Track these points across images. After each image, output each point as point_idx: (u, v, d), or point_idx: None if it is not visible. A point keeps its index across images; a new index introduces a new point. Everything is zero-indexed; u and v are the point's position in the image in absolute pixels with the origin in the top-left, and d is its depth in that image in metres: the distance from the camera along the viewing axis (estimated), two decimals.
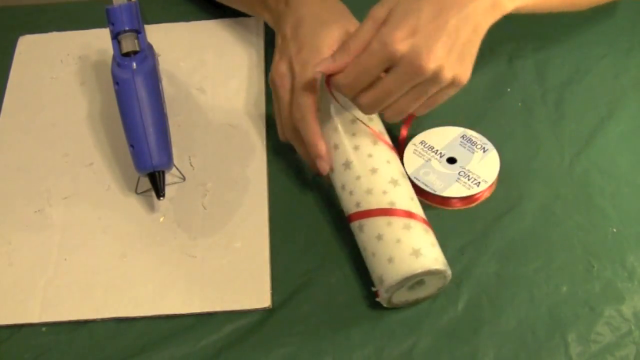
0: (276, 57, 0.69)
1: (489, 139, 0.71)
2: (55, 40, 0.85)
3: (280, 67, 0.67)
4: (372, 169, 0.63)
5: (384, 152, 0.65)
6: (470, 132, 0.72)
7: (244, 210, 0.70)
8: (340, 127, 0.65)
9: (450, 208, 0.68)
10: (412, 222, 0.61)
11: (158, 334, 0.63)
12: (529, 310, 0.63)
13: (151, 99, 0.69)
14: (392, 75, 0.57)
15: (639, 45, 0.80)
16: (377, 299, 0.62)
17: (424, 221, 0.62)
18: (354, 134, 0.65)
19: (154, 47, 0.75)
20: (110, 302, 0.65)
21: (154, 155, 0.67)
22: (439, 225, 0.63)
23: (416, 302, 0.63)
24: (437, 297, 0.63)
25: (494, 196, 0.69)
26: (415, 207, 0.63)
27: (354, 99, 0.60)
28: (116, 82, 0.69)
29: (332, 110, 0.66)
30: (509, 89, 0.77)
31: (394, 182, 0.63)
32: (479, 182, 0.68)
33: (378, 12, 0.58)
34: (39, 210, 0.71)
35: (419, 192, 0.68)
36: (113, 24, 0.70)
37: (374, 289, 0.62)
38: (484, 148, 0.70)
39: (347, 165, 0.64)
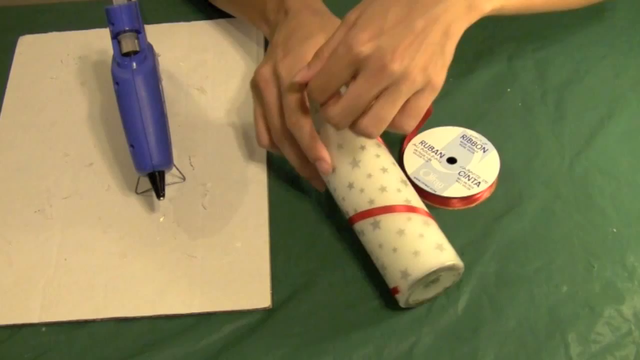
0: (261, 62, 0.68)
1: (489, 139, 0.71)
2: (55, 40, 0.85)
3: (264, 71, 0.66)
4: (382, 168, 0.63)
5: (388, 154, 0.66)
6: (470, 132, 0.72)
7: (244, 210, 0.70)
8: None
9: (450, 208, 0.69)
10: (429, 220, 0.62)
11: (158, 334, 0.63)
12: (529, 310, 0.63)
13: (151, 99, 0.69)
14: (359, 79, 0.56)
15: (639, 45, 0.80)
16: (397, 296, 0.61)
17: (436, 220, 0.63)
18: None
19: (154, 47, 0.75)
20: (110, 302, 0.65)
21: (154, 155, 0.67)
22: (439, 225, 0.63)
23: (424, 302, 0.63)
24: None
25: (494, 196, 0.69)
26: (425, 206, 0.63)
27: (325, 114, 0.59)
28: (116, 82, 0.69)
29: None
30: (509, 89, 0.77)
31: (405, 182, 0.64)
32: (479, 182, 0.68)
33: (350, 16, 0.58)
34: (39, 210, 0.71)
35: (419, 192, 0.68)
36: (113, 24, 0.70)
37: (392, 286, 0.61)
38: (484, 148, 0.70)
39: (355, 163, 0.63)
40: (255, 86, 0.67)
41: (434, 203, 0.68)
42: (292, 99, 0.63)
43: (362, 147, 0.64)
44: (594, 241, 0.66)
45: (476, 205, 0.69)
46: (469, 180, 0.68)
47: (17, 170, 0.74)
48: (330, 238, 0.68)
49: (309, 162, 0.66)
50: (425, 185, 0.68)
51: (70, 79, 0.81)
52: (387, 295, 0.63)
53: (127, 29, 0.70)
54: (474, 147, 0.70)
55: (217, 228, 0.69)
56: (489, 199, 0.69)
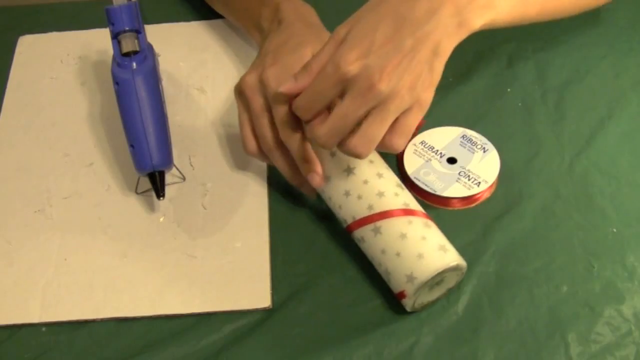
0: (249, 69, 0.67)
1: (489, 139, 0.71)
2: (55, 40, 0.85)
3: (250, 78, 0.65)
4: (377, 173, 0.63)
5: (380, 159, 0.66)
6: (470, 132, 0.72)
7: (244, 210, 0.70)
8: None
9: (450, 208, 0.69)
10: (429, 222, 0.62)
11: (158, 334, 0.63)
12: (529, 310, 0.63)
13: (151, 99, 0.69)
14: (346, 98, 0.55)
15: (639, 45, 0.80)
16: (403, 300, 0.61)
17: (434, 221, 0.63)
18: None
19: (154, 47, 0.75)
20: (110, 302, 0.65)
21: (154, 155, 0.67)
22: (439, 226, 0.63)
23: (427, 305, 0.63)
24: None
25: (494, 196, 0.69)
26: (423, 208, 0.63)
27: (311, 133, 0.58)
28: (116, 82, 0.69)
29: None
30: (509, 89, 0.77)
31: (400, 186, 0.64)
32: (479, 182, 0.68)
33: (340, 31, 0.57)
34: (39, 210, 0.71)
35: (419, 192, 0.68)
36: (113, 24, 0.71)
37: (398, 291, 0.61)
38: (484, 148, 0.70)
39: (350, 170, 0.63)
40: (241, 93, 0.67)
41: (434, 203, 0.68)
42: (282, 111, 0.62)
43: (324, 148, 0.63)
44: (594, 241, 0.66)
45: (476, 205, 0.69)
46: (469, 180, 0.68)
47: (17, 170, 0.74)
48: (331, 238, 0.68)
49: (299, 170, 0.65)
50: (425, 185, 0.68)
51: (70, 79, 0.81)
52: (387, 295, 0.63)
53: (127, 29, 0.70)
54: (474, 147, 0.70)
55: (217, 228, 0.69)
56: (489, 199, 0.69)
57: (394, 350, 0.61)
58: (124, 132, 0.69)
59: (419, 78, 0.55)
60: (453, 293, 0.64)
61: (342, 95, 0.56)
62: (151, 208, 0.70)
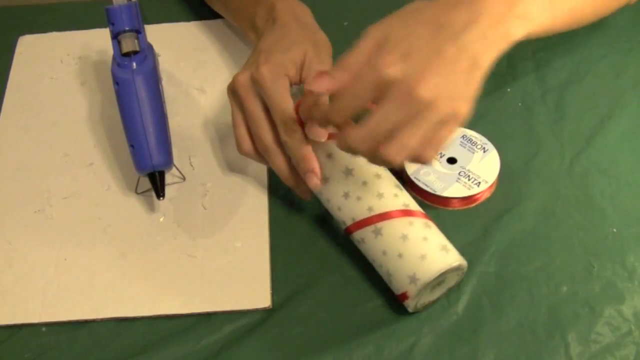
0: (242, 68, 0.66)
1: (489, 139, 0.71)
2: (55, 40, 0.85)
3: (243, 77, 0.65)
4: (376, 174, 0.63)
5: None
6: (470, 132, 0.72)
7: (244, 210, 0.70)
8: None
9: (450, 208, 0.69)
10: (429, 222, 0.62)
11: (158, 334, 0.63)
12: (529, 310, 0.63)
13: (151, 99, 0.69)
14: (385, 103, 0.53)
15: (639, 45, 0.80)
16: (406, 302, 0.61)
17: (434, 221, 0.63)
18: None
19: (154, 47, 0.75)
20: (110, 302, 0.65)
21: (154, 155, 0.67)
22: (439, 226, 0.63)
23: (428, 306, 0.63)
24: None
25: (494, 196, 0.69)
26: (422, 208, 0.63)
27: (344, 139, 0.55)
28: (116, 82, 0.70)
29: None
30: (509, 89, 0.77)
31: (399, 187, 0.64)
32: (479, 182, 0.68)
33: (374, 33, 0.55)
34: (39, 210, 0.71)
35: (419, 192, 0.68)
36: (113, 24, 0.71)
37: (400, 292, 0.61)
38: (484, 148, 0.70)
39: (349, 172, 0.63)
40: (234, 92, 0.66)
41: (434, 203, 0.68)
42: (283, 109, 0.62)
43: (353, 155, 0.63)
44: (594, 241, 0.66)
45: (476, 205, 0.69)
46: (469, 180, 0.68)
47: (17, 170, 0.74)
48: (331, 238, 0.68)
49: (295, 171, 0.65)
50: (425, 185, 0.68)
51: (70, 79, 0.81)
52: (387, 295, 0.63)
53: (127, 29, 0.70)
54: (474, 147, 0.70)
55: (217, 228, 0.69)
56: (489, 199, 0.69)
57: (394, 350, 0.61)
58: (124, 132, 0.69)
59: (457, 89, 0.54)
60: (453, 293, 0.64)
61: (375, 100, 0.54)
62: (151, 208, 0.70)
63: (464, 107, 0.54)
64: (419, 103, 0.52)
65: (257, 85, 0.64)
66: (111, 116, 0.76)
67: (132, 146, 0.68)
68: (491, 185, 0.69)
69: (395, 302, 0.63)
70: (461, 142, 0.71)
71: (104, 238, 0.69)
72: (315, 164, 0.63)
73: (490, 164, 0.69)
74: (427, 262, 0.59)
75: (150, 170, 0.67)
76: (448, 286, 0.63)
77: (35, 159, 0.75)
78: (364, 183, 0.62)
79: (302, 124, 0.63)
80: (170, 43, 0.83)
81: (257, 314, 0.64)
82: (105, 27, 0.72)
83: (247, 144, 0.67)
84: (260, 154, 0.67)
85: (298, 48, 0.65)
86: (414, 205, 0.63)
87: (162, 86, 0.73)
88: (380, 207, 0.61)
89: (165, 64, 0.80)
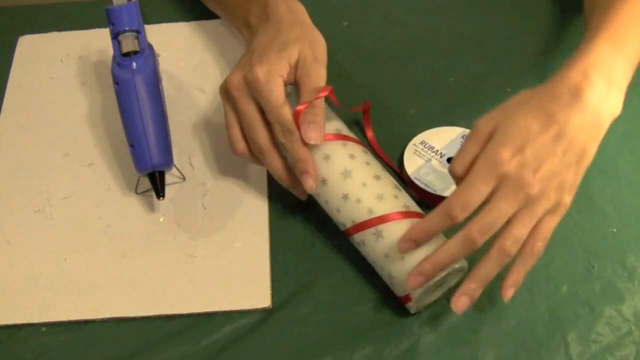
0: (234, 68, 0.66)
1: None
2: (55, 40, 0.85)
3: (236, 78, 0.64)
4: (375, 175, 0.63)
5: (375, 160, 0.65)
6: None
7: (244, 210, 0.70)
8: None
9: None
10: None
11: (158, 334, 0.63)
12: (529, 310, 0.63)
13: (151, 98, 0.69)
14: (500, 195, 0.55)
15: None
16: (408, 304, 0.61)
17: None
18: (344, 144, 0.64)
19: (154, 47, 0.75)
20: (110, 302, 0.65)
21: (154, 155, 0.67)
22: None
23: (429, 306, 0.63)
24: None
25: None
26: (420, 208, 0.63)
27: (467, 232, 0.56)
28: (116, 82, 0.69)
29: None
30: (509, 89, 0.77)
31: (398, 187, 0.63)
32: None
33: (483, 128, 0.57)
34: (39, 210, 0.71)
35: (419, 192, 0.68)
36: (113, 24, 0.70)
37: (402, 294, 0.61)
38: None
39: (347, 173, 0.62)
40: (227, 93, 0.66)
41: (434, 203, 0.68)
42: (279, 109, 0.62)
43: (352, 156, 0.63)
44: (594, 241, 0.66)
45: None
46: None
47: (17, 170, 0.74)
48: (331, 238, 0.68)
49: (291, 171, 0.65)
50: (426, 185, 0.68)
51: (70, 79, 0.81)
52: (387, 295, 0.63)
53: (127, 29, 0.70)
54: None
55: (217, 228, 0.69)
56: None
57: (394, 350, 0.61)
58: (124, 132, 0.69)
59: (566, 180, 0.56)
60: (453, 293, 0.63)
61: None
62: (151, 208, 0.70)
63: (568, 197, 0.57)
64: (531, 196, 0.55)
65: (251, 86, 0.63)
66: (111, 116, 0.76)
67: (132, 146, 0.68)
68: None
69: (395, 302, 0.63)
70: (461, 142, 0.71)
71: (104, 238, 0.69)
72: (311, 166, 0.62)
73: None
74: None
75: (150, 170, 0.67)
76: (449, 286, 0.63)
77: (35, 159, 0.75)
78: (364, 185, 0.62)
79: (298, 125, 0.62)
80: (170, 43, 0.83)
81: (257, 314, 0.64)
82: (105, 27, 0.72)
83: (241, 145, 0.66)
84: (254, 155, 0.67)
85: (292, 46, 0.65)
86: (414, 207, 0.62)
87: (162, 86, 0.73)
88: (381, 209, 0.61)
89: (165, 64, 0.80)
